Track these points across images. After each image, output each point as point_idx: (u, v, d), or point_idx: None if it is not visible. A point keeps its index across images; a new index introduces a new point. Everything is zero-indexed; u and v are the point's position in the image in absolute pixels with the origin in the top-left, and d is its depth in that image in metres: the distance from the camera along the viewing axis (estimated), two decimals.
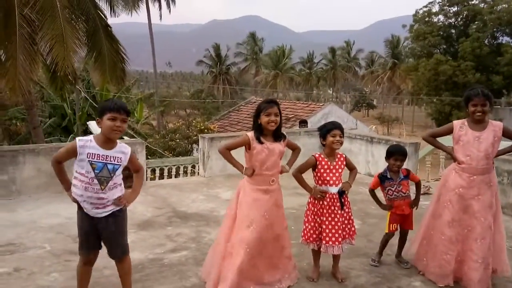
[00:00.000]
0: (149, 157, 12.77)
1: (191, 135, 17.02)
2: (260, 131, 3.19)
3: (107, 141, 2.75)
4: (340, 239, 3.39)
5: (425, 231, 3.74)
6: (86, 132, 15.50)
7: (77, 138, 2.74)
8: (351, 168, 3.61)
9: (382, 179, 3.84)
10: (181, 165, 9.91)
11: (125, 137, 10.62)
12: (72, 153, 2.72)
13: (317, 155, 3.49)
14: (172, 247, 4.26)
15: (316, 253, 3.59)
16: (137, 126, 20.08)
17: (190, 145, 17.38)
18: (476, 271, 3.35)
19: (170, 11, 29.78)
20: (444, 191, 3.61)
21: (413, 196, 3.92)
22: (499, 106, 25.65)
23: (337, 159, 3.47)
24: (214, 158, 7.29)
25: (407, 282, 3.61)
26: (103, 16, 10.02)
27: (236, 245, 3.14)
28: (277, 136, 3.25)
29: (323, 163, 3.45)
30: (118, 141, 2.85)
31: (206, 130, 17.11)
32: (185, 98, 50.32)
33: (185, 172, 10.00)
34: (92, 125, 11.90)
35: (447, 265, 3.48)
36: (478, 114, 3.35)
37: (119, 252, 2.93)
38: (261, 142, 3.17)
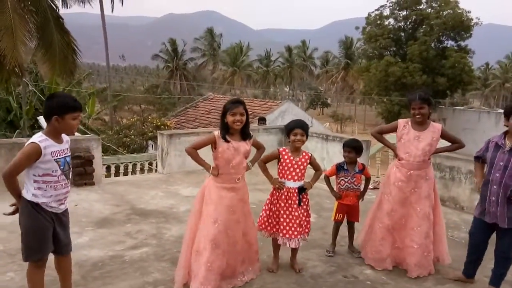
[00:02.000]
0: (102, 154, 12.40)
1: (146, 132, 16.72)
2: (226, 130, 3.28)
3: (58, 136, 2.72)
4: (296, 233, 3.56)
5: (369, 221, 4.05)
6: (34, 127, 14.74)
7: (34, 140, 2.59)
8: (316, 169, 3.77)
9: (339, 168, 4.11)
10: (138, 161, 9.77)
11: (77, 133, 10.25)
12: (35, 157, 2.58)
13: (281, 149, 3.66)
14: (132, 244, 4.24)
15: (276, 246, 3.75)
16: (89, 122, 19.34)
17: (145, 142, 17.06)
18: (413, 255, 3.68)
19: (122, 3, 28.75)
20: (386, 185, 3.92)
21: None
22: (443, 106, 27.33)
23: (301, 156, 3.63)
24: (173, 154, 7.26)
25: (359, 270, 3.87)
26: (54, 7, 9.62)
27: (202, 241, 3.21)
28: (244, 135, 3.34)
29: (285, 157, 3.61)
30: None
31: (162, 127, 16.87)
32: (139, 93, 48.98)
33: (142, 169, 9.86)
34: (43, 120, 11.33)
35: (383, 250, 3.81)
36: (417, 116, 3.66)
37: (69, 246, 2.89)
38: (227, 141, 3.25)
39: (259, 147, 3.62)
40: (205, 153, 3.39)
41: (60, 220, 2.77)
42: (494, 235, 3.45)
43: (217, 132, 3.30)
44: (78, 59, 10.26)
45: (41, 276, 2.82)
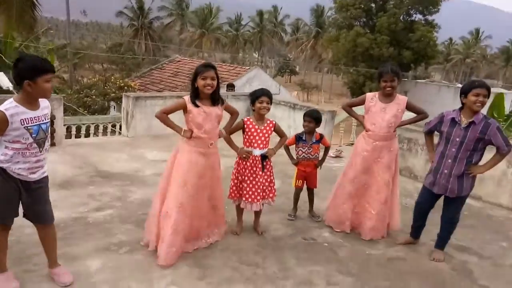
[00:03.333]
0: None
1: (109, 92, 16.10)
2: (196, 94, 3.27)
3: (33, 102, 2.59)
4: (258, 198, 3.69)
5: (336, 187, 4.25)
6: None
7: (1, 108, 2.46)
8: (281, 135, 3.87)
9: (298, 139, 4.26)
10: (101, 123, 9.48)
11: None
12: (2, 127, 2.46)
13: (245, 119, 3.70)
14: (96, 206, 4.24)
15: (239, 210, 3.87)
16: None
17: (107, 103, 16.50)
18: (369, 220, 3.95)
19: None
20: (353, 154, 4.10)
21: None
22: (406, 79, 28.11)
23: (265, 125, 3.70)
24: (139, 118, 7.15)
25: (318, 233, 4.09)
26: None
27: (170, 204, 3.25)
28: (215, 100, 3.33)
29: (250, 126, 3.66)
30: None
31: (126, 88, 16.32)
32: (101, 51, 46.73)
33: (105, 131, 9.61)
34: (2, 78, 10.39)
35: (343, 214, 4.06)
36: (387, 89, 3.80)
37: (50, 216, 2.85)
38: (197, 106, 3.24)
39: (233, 113, 3.64)
40: (178, 118, 3.39)
41: (30, 188, 2.68)
42: (438, 202, 3.72)
43: (187, 97, 3.29)
44: (38, 13, 9.61)
45: (3, 241, 2.76)
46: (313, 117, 4.19)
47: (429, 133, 3.81)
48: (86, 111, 14.62)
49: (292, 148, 4.36)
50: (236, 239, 3.78)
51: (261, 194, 3.70)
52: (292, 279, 3.21)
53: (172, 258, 3.22)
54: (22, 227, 3.30)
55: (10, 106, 2.49)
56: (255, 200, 3.69)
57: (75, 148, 6.24)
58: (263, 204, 3.78)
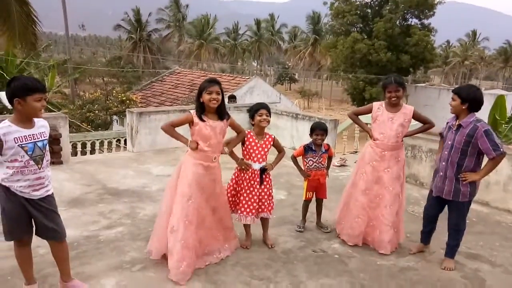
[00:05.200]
0: None
1: (111, 106, 16.21)
2: (202, 109, 3.34)
3: (26, 121, 2.69)
4: (254, 211, 3.73)
5: (345, 198, 4.27)
6: None
7: None
8: (279, 150, 3.91)
9: (306, 149, 4.28)
10: (106, 139, 9.55)
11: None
12: None
13: (247, 132, 3.76)
14: (107, 223, 4.27)
15: (247, 223, 3.89)
16: (49, 96, 18.51)
17: (110, 117, 16.59)
18: (386, 233, 3.93)
19: None
20: (361, 164, 4.13)
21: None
22: (406, 84, 28.22)
23: (265, 139, 3.77)
24: (143, 133, 7.20)
25: (328, 245, 4.11)
26: None
27: (177, 219, 3.29)
28: (221, 114, 3.41)
29: (251, 140, 3.73)
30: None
31: (128, 101, 16.42)
32: (100, 64, 46.96)
33: (109, 147, 9.68)
34: (3, 96, 10.59)
35: (357, 227, 4.04)
36: (393, 99, 3.86)
37: (59, 234, 2.90)
38: (203, 120, 3.32)
39: (239, 132, 3.68)
40: (183, 132, 3.45)
41: (37, 206, 2.75)
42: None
43: (193, 111, 3.37)
44: (39, 29, 9.71)
45: (25, 254, 2.89)
46: (324, 130, 4.23)
47: (440, 136, 3.88)
48: (89, 126, 14.70)
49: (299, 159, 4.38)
50: (246, 253, 3.80)
51: (255, 207, 3.73)
52: None
53: (183, 273, 3.24)
54: (37, 248, 3.34)
55: (3, 125, 2.60)
56: (250, 213, 3.73)
57: (82, 166, 6.29)
58: (256, 218, 3.79)
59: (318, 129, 4.22)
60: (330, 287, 3.33)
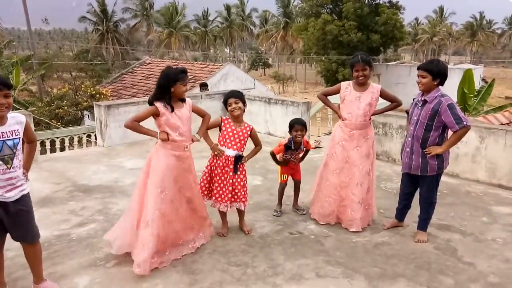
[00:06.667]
0: (34, 128, 11.56)
1: (81, 101, 15.74)
2: (170, 98, 3.25)
3: None
4: (226, 198, 3.69)
5: (318, 179, 4.29)
6: None
7: None
8: (256, 143, 3.84)
9: (286, 148, 4.24)
10: (75, 135, 9.25)
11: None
12: None
13: (224, 118, 3.71)
14: (78, 221, 4.16)
15: (222, 211, 3.85)
16: (15, 94, 17.80)
17: (80, 113, 16.13)
18: (357, 211, 3.98)
19: None
20: (331, 145, 4.15)
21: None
22: (377, 63, 28.54)
23: (242, 127, 3.70)
24: (113, 126, 7.01)
25: (304, 226, 4.14)
26: None
27: (150, 212, 3.22)
28: (182, 99, 3.37)
29: (227, 125, 3.67)
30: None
31: (98, 95, 15.97)
32: (68, 59, 45.41)
33: (80, 142, 9.40)
34: None
35: (328, 206, 4.10)
36: (360, 78, 3.86)
37: (34, 235, 2.81)
38: (172, 109, 3.24)
39: (204, 115, 3.63)
40: (149, 126, 3.35)
41: (7, 207, 2.64)
42: None
43: (157, 103, 3.25)
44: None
45: None
46: (303, 124, 4.19)
47: (407, 116, 3.90)
48: (59, 123, 14.25)
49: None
50: (223, 240, 3.78)
51: (229, 195, 3.69)
52: (282, 275, 3.24)
53: (152, 266, 3.20)
54: (7, 251, 3.21)
55: None
56: (223, 201, 3.69)
57: (51, 164, 6.09)
58: (230, 207, 3.75)
59: (297, 125, 4.15)
60: (307, 267, 3.36)
